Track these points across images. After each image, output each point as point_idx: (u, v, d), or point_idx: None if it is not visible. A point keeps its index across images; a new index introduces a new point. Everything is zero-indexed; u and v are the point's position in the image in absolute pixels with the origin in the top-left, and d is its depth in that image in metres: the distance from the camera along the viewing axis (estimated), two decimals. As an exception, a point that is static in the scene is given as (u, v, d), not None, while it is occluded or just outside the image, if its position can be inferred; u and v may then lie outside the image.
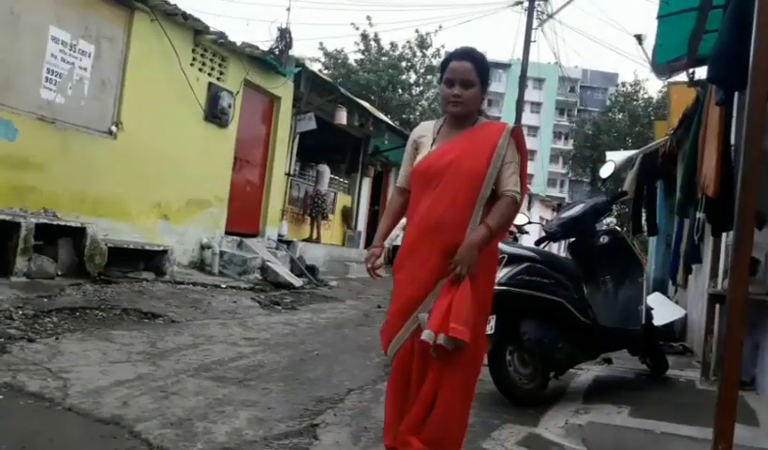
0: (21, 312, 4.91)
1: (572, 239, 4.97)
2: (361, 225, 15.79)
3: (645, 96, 32.69)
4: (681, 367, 5.62)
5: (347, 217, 15.18)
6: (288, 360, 4.86)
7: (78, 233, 6.72)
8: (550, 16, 19.91)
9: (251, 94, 10.41)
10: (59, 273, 6.45)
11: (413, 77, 24.93)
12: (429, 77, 24.45)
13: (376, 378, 4.52)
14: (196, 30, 8.87)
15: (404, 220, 2.84)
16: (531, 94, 48.96)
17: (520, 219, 5.19)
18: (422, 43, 24.14)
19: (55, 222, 6.56)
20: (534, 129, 62.86)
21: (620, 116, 33.10)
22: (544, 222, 6.28)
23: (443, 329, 2.35)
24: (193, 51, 8.98)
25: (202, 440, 2.92)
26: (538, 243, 5.02)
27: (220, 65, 9.56)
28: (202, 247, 9.34)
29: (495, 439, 3.32)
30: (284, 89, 11.09)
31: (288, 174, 12.09)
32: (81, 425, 2.96)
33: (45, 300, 5.45)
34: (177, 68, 8.58)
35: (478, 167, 2.52)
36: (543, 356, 4.10)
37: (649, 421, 3.54)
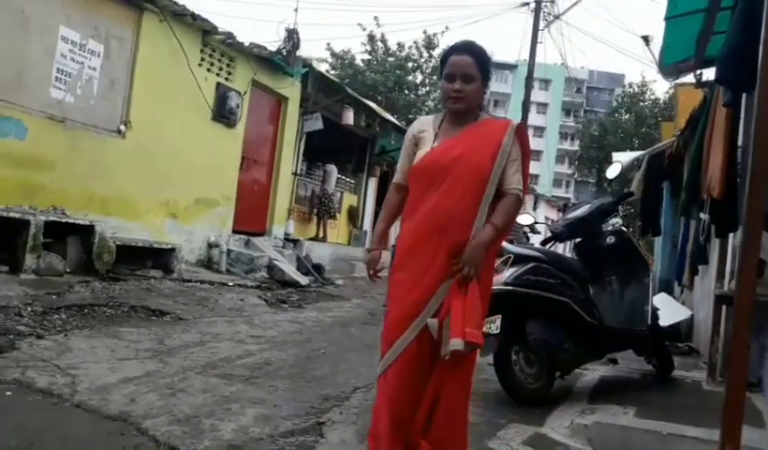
0: (30, 309, 4.95)
1: (578, 239, 4.97)
2: (367, 224, 15.81)
3: (652, 97, 32.59)
4: (687, 368, 5.61)
5: (354, 216, 15.21)
6: (295, 358, 4.88)
7: (86, 231, 6.76)
8: (556, 17, 19.88)
9: (259, 94, 10.44)
10: (68, 270, 6.50)
11: (419, 77, 24.95)
12: (435, 77, 24.43)
13: (381, 377, 4.52)
14: (204, 30, 8.91)
15: None
16: (537, 95, 48.88)
17: (526, 220, 5.20)
18: (429, 44, 24.13)
19: (64, 220, 6.61)
20: (540, 130, 62.67)
21: (627, 117, 33.00)
22: (550, 222, 6.30)
23: (463, 334, 2.30)
24: (201, 51, 9.02)
25: (209, 437, 2.94)
26: (544, 243, 5.02)
27: (228, 65, 9.59)
28: (210, 246, 9.38)
29: (501, 438, 3.33)
30: (291, 89, 11.12)
31: (294, 174, 12.12)
32: (88, 421, 2.98)
33: (54, 297, 5.49)
34: (185, 68, 8.62)
35: (483, 164, 2.46)
36: (549, 356, 4.10)
37: (655, 422, 3.54)
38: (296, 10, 13.40)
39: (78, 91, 7.28)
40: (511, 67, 57.47)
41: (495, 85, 67.76)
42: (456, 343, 2.29)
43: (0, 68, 6.42)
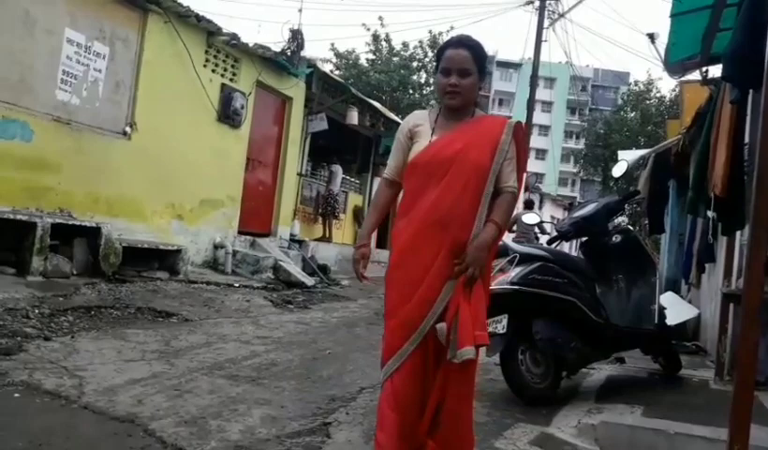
0: (37, 311, 4.97)
1: (585, 238, 4.96)
2: (372, 225, 15.81)
3: (658, 94, 32.46)
4: (694, 367, 5.59)
5: (359, 216, 15.21)
6: (301, 359, 4.88)
7: (93, 233, 6.78)
8: (561, 15, 19.84)
9: (263, 95, 10.45)
10: (74, 272, 6.52)
11: (424, 77, 24.95)
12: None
13: (388, 377, 4.52)
14: (209, 31, 8.93)
15: None
16: (542, 93, 48.66)
17: (532, 219, 5.19)
18: (434, 43, 24.12)
19: (71, 222, 6.63)
20: (545, 129, 62.58)
21: (632, 115, 32.87)
22: (555, 221, 6.27)
23: (474, 339, 2.29)
24: (206, 52, 9.03)
25: (216, 438, 2.95)
26: (550, 242, 5.01)
27: (233, 66, 9.61)
28: (215, 247, 9.40)
29: (508, 438, 3.32)
30: (296, 90, 11.13)
31: (299, 174, 12.14)
32: (96, 423, 2.99)
33: (61, 299, 5.51)
34: (190, 70, 8.64)
35: (483, 160, 2.43)
36: (556, 356, 4.09)
37: (662, 421, 3.52)
38: (300, 11, 13.41)
39: (83, 93, 7.30)
40: (516, 66, 57.49)
41: (500, 84, 67.77)
42: (469, 352, 2.27)
43: (6, 71, 6.46)
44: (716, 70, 5.58)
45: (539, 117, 53.85)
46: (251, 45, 9.71)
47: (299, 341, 5.58)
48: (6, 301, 5.02)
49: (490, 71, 64.87)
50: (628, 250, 4.77)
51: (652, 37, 6.95)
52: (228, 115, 9.46)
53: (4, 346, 3.96)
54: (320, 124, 11.88)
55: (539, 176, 47.56)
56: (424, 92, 25.04)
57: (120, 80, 7.79)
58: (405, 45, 24.63)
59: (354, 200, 15.03)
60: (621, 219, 5.01)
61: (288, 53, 10.61)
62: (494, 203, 2.45)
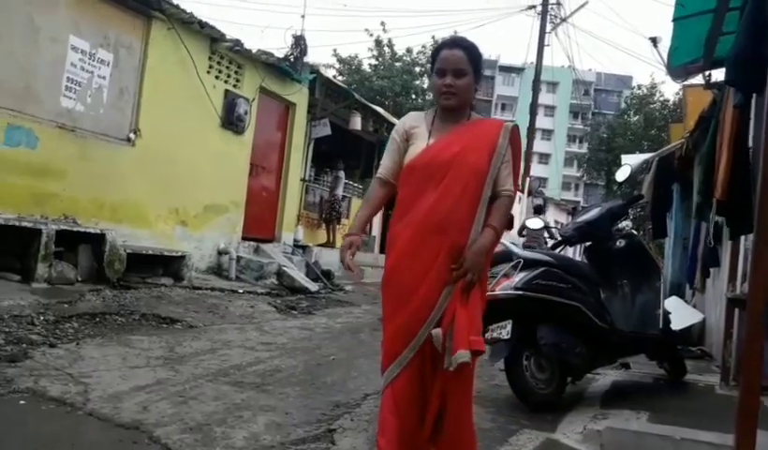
0: (42, 318, 4.98)
1: (589, 243, 4.95)
2: (376, 230, 15.81)
3: (661, 98, 32.43)
4: (700, 372, 5.57)
5: (362, 221, 15.22)
6: (305, 365, 4.88)
7: (97, 240, 6.80)
8: (563, 20, 19.87)
9: (267, 100, 10.49)
10: (79, 279, 6.54)
11: (426, 82, 25.00)
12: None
13: (392, 383, 4.52)
14: (212, 38, 8.97)
15: None
16: (545, 97, 48.77)
17: (536, 224, 5.18)
18: (437, 48, 24.15)
19: (75, 229, 6.65)
20: (548, 133, 62.49)
21: (635, 119, 32.85)
22: (559, 226, 6.27)
23: (469, 344, 2.27)
24: (209, 58, 9.07)
25: (221, 444, 2.95)
26: (554, 247, 5.00)
27: (236, 72, 9.64)
28: (219, 253, 9.41)
29: (513, 444, 3.31)
30: (299, 96, 11.16)
31: (303, 180, 12.15)
32: (101, 429, 3.00)
33: (66, 306, 5.52)
34: (194, 76, 8.67)
35: (481, 164, 2.42)
36: (560, 361, 4.08)
37: (668, 426, 3.51)
38: (303, 17, 13.46)
39: (88, 100, 7.34)
40: (519, 70, 57.49)
41: (503, 88, 67.81)
42: (463, 355, 2.25)
43: (11, 78, 6.49)
44: (719, 74, 5.58)
45: (542, 121, 53.73)
46: (254, 51, 9.74)
47: (303, 347, 5.58)
48: (11, 308, 5.03)
49: (492, 75, 64.97)
50: (633, 255, 4.76)
51: (654, 41, 6.93)
52: (231, 121, 9.48)
53: (9, 353, 3.97)
54: (323, 129, 11.90)
55: (543, 181, 47.49)
56: (427, 97, 25.07)
57: (124, 86, 7.83)
58: (408, 50, 24.71)
59: (357, 205, 15.04)
60: (625, 224, 5.01)
61: (292, 59, 10.64)
62: (491, 207, 2.45)
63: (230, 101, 9.43)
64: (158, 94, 8.17)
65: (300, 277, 9.80)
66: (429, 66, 2.73)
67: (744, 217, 4.23)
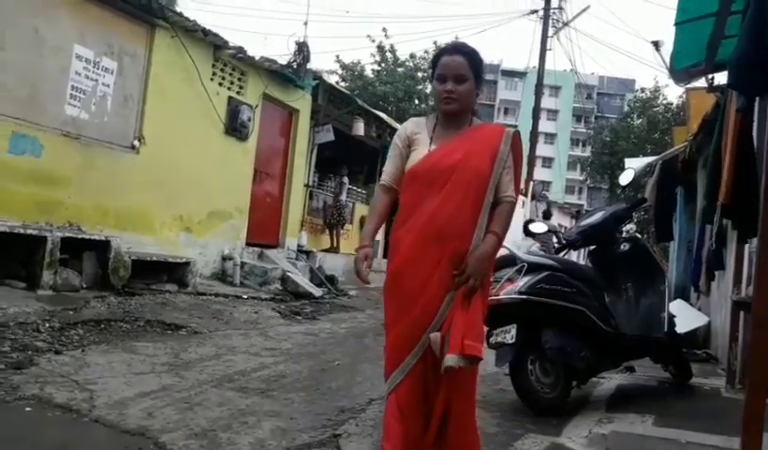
0: (47, 325, 5.00)
1: (592, 247, 4.95)
2: (379, 235, 15.80)
3: (665, 101, 32.37)
4: (705, 375, 5.55)
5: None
6: (310, 370, 4.88)
7: (102, 247, 6.83)
8: (565, 24, 19.89)
9: (270, 107, 10.52)
10: (84, 286, 6.56)
11: (429, 87, 25.04)
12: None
13: (397, 388, 4.52)
14: (215, 45, 9.01)
15: None
16: (547, 101, 48.78)
17: (539, 228, 5.18)
18: (439, 54, 24.19)
19: (80, 236, 6.68)
20: (551, 137, 62.54)
21: (639, 122, 32.80)
22: (563, 230, 6.26)
23: (461, 349, 2.26)
24: (213, 66, 9.11)
25: (227, 450, 2.96)
26: (557, 251, 5.00)
27: (239, 79, 9.68)
28: (224, 259, 9.43)
29: (518, 449, 3.31)
30: (302, 102, 11.20)
31: (306, 186, 12.18)
32: (107, 436, 3.01)
33: (71, 313, 5.54)
34: (197, 83, 8.71)
35: (483, 170, 2.43)
36: (565, 365, 4.07)
37: (674, 430, 3.50)
38: (306, 24, 13.46)
39: (92, 108, 7.37)
40: (521, 75, 57.47)
41: (505, 93, 67.87)
42: (451, 359, 2.25)
43: (16, 87, 6.53)
44: (721, 77, 5.57)
45: (545, 125, 53.80)
46: (257, 58, 9.78)
47: (307, 353, 5.59)
48: (17, 315, 5.05)
49: (495, 80, 65.03)
50: (637, 258, 4.75)
51: (657, 44, 6.94)
52: (235, 128, 9.51)
53: (15, 360, 3.99)
54: (327, 135, 11.93)
55: (546, 184, 47.46)
56: (430, 102, 25.11)
57: (128, 94, 7.86)
58: (411, 56, 24.75)
59: (361, 210, 15.04)
60: (629, 227, 5.00)
61: (295, 66, 10.67)
62: (493, 213, 2.45)
63: (234, 108, 9.46)
64: (162, 101, 8.20)
65: (304, 282, 9.81)
66: (430, 72, 2.73)
67: (750, 220, 4.22)
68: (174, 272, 7.88)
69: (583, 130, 56.75)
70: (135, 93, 7.96)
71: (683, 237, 9.30)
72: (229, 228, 9.69)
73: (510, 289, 4.03)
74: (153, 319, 5.94)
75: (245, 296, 8.27)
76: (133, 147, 7.92)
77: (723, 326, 5.92)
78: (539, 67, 19.33)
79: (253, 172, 10.22)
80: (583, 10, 19.22)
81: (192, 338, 5.52)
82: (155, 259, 7.66)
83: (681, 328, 5.02)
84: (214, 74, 9.14)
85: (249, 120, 9.77)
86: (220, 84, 9.28)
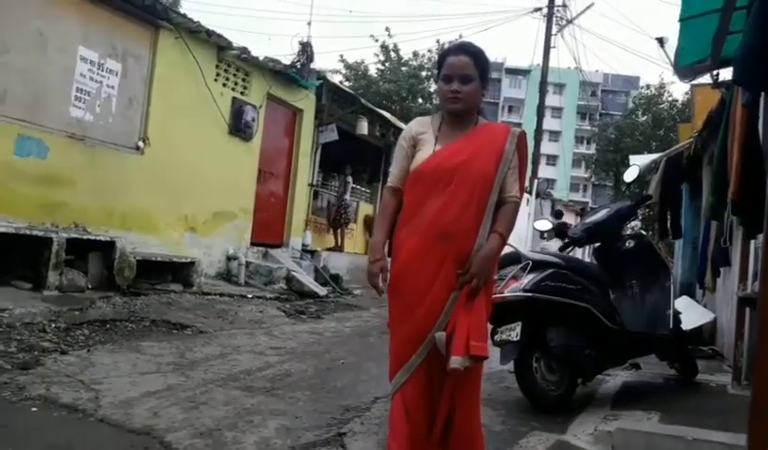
0: (53, 325, 5.02)
1: (598, 244, 4.94)
2: (384, 234, 15.83)
3: (670, 98, 32.28)
4: (711, 372, 5.53)
5: (370, 225, 15.23)
6: (315, 369, 4.89)
7: (107, 247, 6.85)
8: (569, 21, 19.84)
9: (274, 107, 10.53)
10: (89, 286, 6.58)
11: (433, 86, 25.03)
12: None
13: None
14: (219, 46, 9.02)
15: None
16: (552, 99, 48.61)
17: (543, 225, 5.18)
18: (443, 52, 24.20)
19: (85, 237, 6.70)
20: (555, 134, 62.38)
21: (643, 119, 32.71)
22: (568, 227, 6.24)
23: (467, 350, 2.27)
24: (217, 66, 9.12)
25: (232, 449, 2.96)
26: (562, 248, 4.99)
27: (243, 79, 9.69)
28: (228, 259, 9.45)
29: (524, 447, 3.31)
30: (306, 102, 11.20)
31: (311, 185, 12.19)
32: (113, 436, 3.02)
33: (76, 313, 5.56)
34: (202, 84, 8.73)
35: (488, 170, 2.42)
36: (570, 363, 4.07)
37: (680, 427, 3.49)
38: (309, 24, 13.48)
39: (97, 109, 7.40)
40: (525, 73, 57.49)
41: (509, 91, 67.73)
42: (456, 361, 2.26)
43: (21, 90, 6.56)
44: (726, 73, 5.55)
45: (549, 123, 53.71)
46: (261, 58, 9.79)
47: (312, 351, 5.59)
48: (23, 315, 5.07)
49: (499, 78, 64.89)
50: (642, 255, 4.74)
51: (661, 41, 6.92)
52: (239, 128, 9.53)
53: (21, 360, 4.01)
54: (331, 135, 11.94)
55: (551, 182, 47.37)
56: (434, 101, 25.09)
57: (132, 95, 7.88)
58: (414, 54, 24.75)
59: (365, 209, 15.06)
60: (634, 224, 4.99)
61: (298, 66, 10.68)
62: (497, 213, 2.45)
63: (238, 108, 9.47)
64: (166, 102, 8.22)
65: (308, 281, 9.83)
66: (435, 70, 2.72)
67: (758, 216, 4.20)
68: (179, 272, 7.89)
69: (588, 128, 56.62)
70: (139, 94, 7.99)
71: (688, 234, 9.27)
72: (234, 228, 9.70)
73: (515, 286, 4.03)
74: (158, 319, 5.96)
75: (250, 296, 8.29)
76: (138, 148, 7.94)
77: (729, 323, 5.91)
78: (543, 65, 19.29)
79: (257, 171, 10.24)
80: (588, 7, 19.21)
81: (197, 338, 5.54)
82: (159, 259, 7.69)
83: (686, 325, 5.00)
84: (218, 75, 9.16)
85: (253, 120, 9.78)
86: (224, 85, 9.30)
